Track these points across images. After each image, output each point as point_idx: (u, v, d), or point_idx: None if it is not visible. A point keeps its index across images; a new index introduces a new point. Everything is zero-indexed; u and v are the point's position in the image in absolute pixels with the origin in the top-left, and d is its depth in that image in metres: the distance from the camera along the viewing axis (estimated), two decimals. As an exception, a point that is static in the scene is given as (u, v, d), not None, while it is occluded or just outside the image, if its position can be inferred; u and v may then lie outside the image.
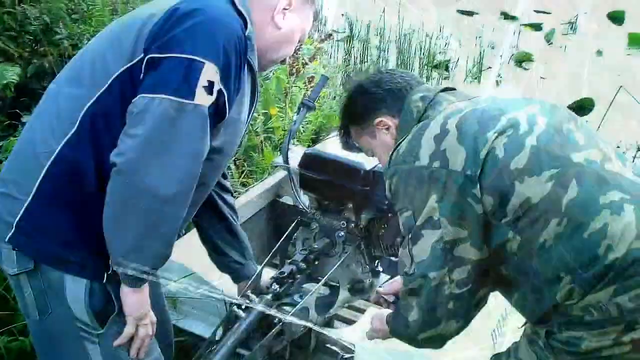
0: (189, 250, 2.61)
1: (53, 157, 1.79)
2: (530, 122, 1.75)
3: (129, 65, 1.77)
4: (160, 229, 1.74)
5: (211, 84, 1.72)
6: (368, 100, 2.02)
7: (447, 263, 1.73)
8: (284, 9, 1.94)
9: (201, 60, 1.70)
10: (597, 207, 1.65)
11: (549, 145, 1.71)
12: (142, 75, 1.75)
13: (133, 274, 1.78)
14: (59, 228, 1.82)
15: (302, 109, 2.61)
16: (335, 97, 5.66)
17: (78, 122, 1.79)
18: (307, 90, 4.78)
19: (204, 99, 1.71)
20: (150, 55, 1.73)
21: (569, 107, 6.36)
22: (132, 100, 1.71)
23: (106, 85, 1.78)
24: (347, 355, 2.40)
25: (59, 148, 1.79)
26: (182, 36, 1.73)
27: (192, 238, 2.60)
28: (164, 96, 1.68)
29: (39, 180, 1.79)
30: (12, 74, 3.87)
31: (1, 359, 2.50)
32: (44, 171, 1.79)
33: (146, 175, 1.68)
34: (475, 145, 1.72)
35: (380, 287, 2.36)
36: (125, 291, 1.84)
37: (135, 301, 1.85)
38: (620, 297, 1.62)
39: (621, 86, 5.27)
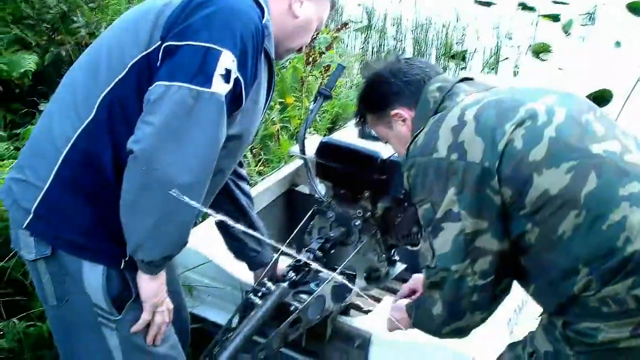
0: (206, 237, 2.62)
1: (70, 144, 1.80)
2: (549, 112, 1.73)
3: (145, 53, 1.78)
4: (176, 217, 1.74)
5: (228, 72, 1.71)
6: (385, 91, 2.01)
7: (469, 255, 1.73)
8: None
9: (218, 48, 1.70)
10: (617, 199, 1.64)
11: (567, 137, 1.70)
12: (158, 63, 1.75)
13: (150, 260, 1.79)
14: (77, 215, 1.83)
15: (318, 97, 2.60)
16: (351, 86, 5.65)
17: (95, 109, 1.80)
18: (323, 79, 4.77)
19: (221, 87, 1.70)
20: (167, 44, 1.74)
21: (587, 98, 6.31)
22: (149, 88, 1.71)
23: (123, 73, 1.79)
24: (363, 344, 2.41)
25: (75, 135, 1.80)
26: (199, 24, 1.72)
27: (209, 225, 2.62)
28: (181, 84, 1.67)
29: (56, 168, 1.80)
30: (29, 62, 3.88)
31: (19, 344, 2.51)
32: (61, 158, 1.80)
33: (163, 162, 1.67)
34: (493, 136, 1.70)
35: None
36: (142, 278, 1.85)
37: (151, 288, 1.86)
38: (638, 289, 1.60)
39: (640, 77, 5.22)
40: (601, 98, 7.22)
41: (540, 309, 1.87)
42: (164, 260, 1.82)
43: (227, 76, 1.71)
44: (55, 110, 1.90)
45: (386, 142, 2.13)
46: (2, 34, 4.01)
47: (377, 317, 2.43)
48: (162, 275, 1.88)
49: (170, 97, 1.67)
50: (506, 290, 1.82)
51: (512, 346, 1.89)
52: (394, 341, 2.30)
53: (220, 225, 2.43)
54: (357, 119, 2.15)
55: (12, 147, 3.31)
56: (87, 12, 4.42)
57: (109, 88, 1.80)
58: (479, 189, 1.70)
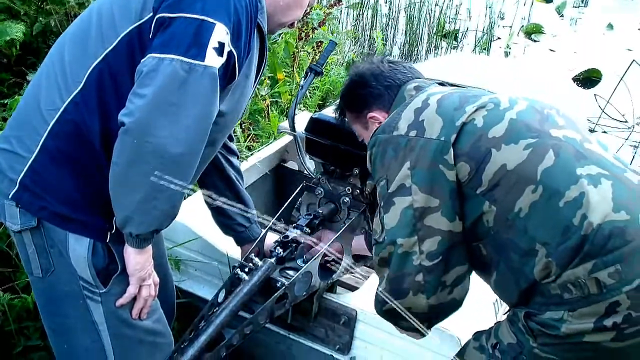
0: (194, 211, 2.61)
1: (57, 115, 1.79)
2: (511, 101, 1.79)
3: (137, 24, 1.76)
4: (167, 190, 1.71)
5: (222, 45, 1.70)
6: (364, 94, 2.06)
7: (417, 232, 1.72)
8: None
9: (212, 20, 1.68)
10: (574, 177, 1.64)
11: (528, 119, 1.74)
12: (151, 34, 1.73)
13: (138, 233, 1.77)
14: (63, 186, 1.81)
15: (309, 73, 2.60)
16: (343, 63, 5.62)
17: (84, 80, 1.78)
18: (315, 55, 4.74)
19: (214, 60, 1.69)
20: (160, 15, 1.71)
21: (576, 79, 6.35)
22: (141, 60, 1.69)
23: (114, 44, 1.77)
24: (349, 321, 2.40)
25: (63, 106, 1.78)
26: None
27: (197, 199, 2.60)
28: (174, 56, 1.65)
29: (43, 138, 1.79)
30: (17, 31, 3.81)
31: (3, 315, 2.50)
32: (48, 129, 1.79)
33: (154, 135, 1.66)
34: (453, 115, 1.74)
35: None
36: (129, 251, 1.84)
37: (138, 261, 1.85)
38: (599, 273, 1.59)
39: (634, 60, 5.22)
40: (589, 78, 7.23)
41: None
42: (152, 233, 1.81)
43: (220, 49, 1.70)
44: (43, 81, 1.87)
45: (362, 140, 2.15)
46: (-11, 3, 3.95)
47: (364, 295, 2.43)
48: (149, 248, 1.86)
49: (164, 69, 1.65)
50: (461, 281, 1.78)
51: (477, 335, 1.87)
52: (380, 318, 2.30)
53: (208, 200, 2.41)
54: (337, 113, 2.21)
55: (-1, 118, 3.27)
56: (76, -18, 4.35)
57: (99, 59, 1.78)
58: (433, 164, 1.72)
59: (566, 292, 1.62)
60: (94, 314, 1.91)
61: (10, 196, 1.81)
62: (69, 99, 1.78)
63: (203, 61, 1.67)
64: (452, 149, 1.71)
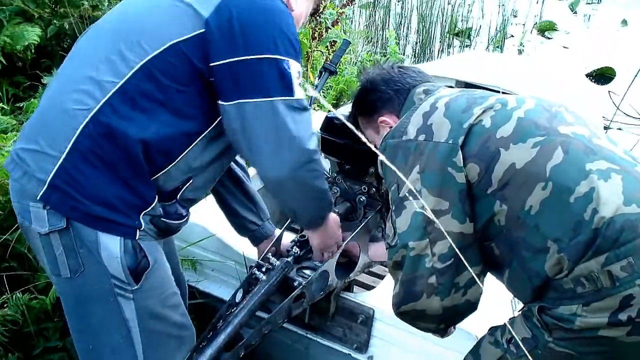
0: (210, 212, 2.61)
1: (90, 115, 1.78)
2: (519, 100, 1.80)
3: (185, 37, 1.80)
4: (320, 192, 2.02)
5: (297, 75, 1.84)
6: (375, 99, 2.08)
7: (428, 235, 1.72)
8: None
9: (284, 58, 1.81)
10: (584, 172, 1.64)
11: (536, 118, 1.74)
12: (208, 61, 1.81)
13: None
14: (94, 186, 1.81)
15: (323, 73, 2.60)
16: (356, 62, 5.62)
17: (122, 82, 1.79)
18: (328, 54, 4.74)
19: (300, 93, 1.85)
20: (232, 60, 1.79)
21: (590, 75, 6.29)
22: (233, 105, 1.81)
23: (158, 51, 1.80)
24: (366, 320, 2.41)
25: (97, 107, 1.78)
26: (258, 35, 1.79)
27: (213, 201, 2.60)
28: (272, 99, 1.79)
29: (74, 137, 1.78)
30: (32, 34, 3.85)
31: (22, 316, 2.51)
32: (80, 128, 1.78)
33: (302, 169, 1.88)
34: (460, 118, 1.75)
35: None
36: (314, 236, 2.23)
37: (323, 236, 2.22)
38: (612, 266, 1.58)
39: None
40: (603, 75, 7.19)
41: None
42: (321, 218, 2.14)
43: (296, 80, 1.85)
44: (69, 78, 1.88)
45: (375, 146, 2.14)
46: (4, 5, 3.97)
47: (381, 294, 2.43)
48: (330, 221, 2.20)
49: (268, 111, 1.81)
50: (474, 284, 1.77)
51: (492, 330, 1.86)
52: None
53: (220, 202, 2.44)
54: (350, 119, 2.22)
55: (15, 121, 3.29)
56: (90, -15, 4.38)
57: (139, 64, 1.80)
58: (442, 167, 1.72)
59: (579, 286, 1.62)
60: (125, 311, 1.91)
61: (38, 197, 1.80)
62: (104, 100, 1.78)
63: (294, 96, 1.83)
64: (460, 152, 1.72)
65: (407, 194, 1.77)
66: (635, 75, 5.40)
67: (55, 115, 1.85)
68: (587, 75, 7.12)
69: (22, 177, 1.84)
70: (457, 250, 1.59)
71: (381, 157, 1.33)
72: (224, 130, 1.90)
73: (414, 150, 1.78)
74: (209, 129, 1.90)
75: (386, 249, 1.86)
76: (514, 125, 1.72)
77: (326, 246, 2.28)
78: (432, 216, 1.67)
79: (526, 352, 1.54)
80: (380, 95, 2.06)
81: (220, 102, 1.84)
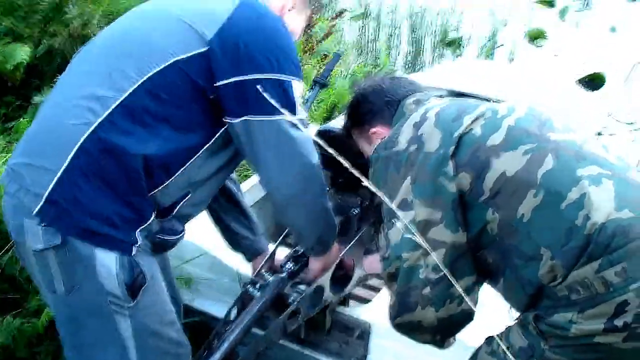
0: (203, 229, 2.59)
1: (90, 130, 1.76)
2: (509, 109, 1.80)
3: (189, 54, 1.81)
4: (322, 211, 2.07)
5: (299, 95, 1.89)
6: (366, 110, 2.09)
7: (420, 246, 1.70)
8: (289, 9, 2.05)
9: (287, 78, 1.86)
10: (575, 178, 1.63)
11: (526, 126, 1.74)
12: (212, 79, 1.83)
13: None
14: (92, 201, 1.79)
15: (314, 86, 2.59)
16: (346, 75, 5.61)
17: (124, 96, 1.78)
18: (320, 67, 4.74)
19: (302, 112, 1.93)
20: (241, 78, 1.82)
21: (580, 82, 6.29)
22: (239, 122, 1.85)
23: (161, 66, 1.80)
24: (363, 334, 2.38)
25: (98, 122, 1.77)
26: (262, 55, 1.83)
27: (206, 218, 2.58)
28: (277, 118, 1.84)
29: (73, 152, 1.76)
30: (22, 54, 3.82)
31: (14, 340, 2.48)
32: (79, 143, 1.76)
33: (307, 192, 1.98)
34: (451, 127, 1.75)
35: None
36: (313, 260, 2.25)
37: (325, 262, 2.26)
38: (605, 272, 1.56)
39: (638, 62, 5.19)
40: (593, 81, 7.20)
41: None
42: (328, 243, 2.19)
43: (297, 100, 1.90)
44: (69, 95, 1.86)
45: (367, 157, 2.13)
46: (-7, 25, 3.95)
47: (377, 307, 2.41)
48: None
49: (270, 130, 1.87)
50: (469, 294, 1.75)
51: (489, 340, 1.85)
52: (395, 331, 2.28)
53: (214, 217, 2.42)
54: (344, 131, 2.23)
55: (4, 142, 3.26)
56: (80, 3, 4.35)
57: (140, 81, 1.79)
58: (433, 177, 1.71)
59: (574, 293, 1.60)
60: (121, 328, 1.88)
61: (34, 212, 1.77)
62: (105, 115, 1.77)
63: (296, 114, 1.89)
64: (451, 161, 1.71)
65: (399, 205, 1.75)
66: (625, 81, 5.42)
67: (53, 129, 1.83)
68: (578, 82, 7.13)
69: (17, 191, 1.82)
70: (443, 269, 1.60)
71: (366, 182, 1.32)
72: (225, 143, 1.93)
73: (405, 162, 1.77)
74: (210, 142, 1.90)
75: (380, 261, 1.84)
76: (504, 133, 1.71)
77: (325, 271, 2.28)
78: (415, 231, 1.67)
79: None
80: (371, 107, 2.07)
81: (226, 119, 1.87)
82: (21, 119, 3.46)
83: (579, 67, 7.46)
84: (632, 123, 6.03)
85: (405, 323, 1.80)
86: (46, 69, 4.09)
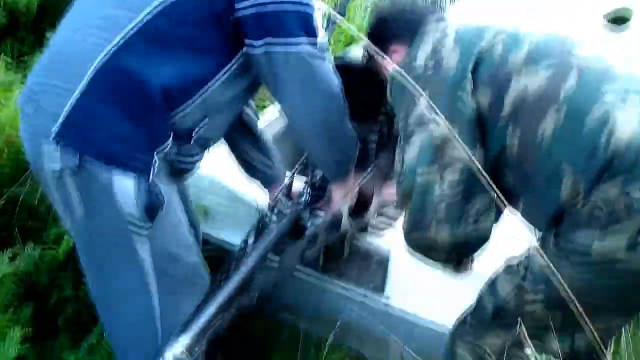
0: (221, 160, 2.57)
1: (107, 52, 1.75)
2: (532, 27, 1.76)
3: None
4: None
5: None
6: (386, 29, 2.07)
7: (437, 161, 1.68)
8: None
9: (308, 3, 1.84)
10: (599, 95, 1.58)
11: (550, 41, 1.70)
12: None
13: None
14: (109, 123, 1.79)
15: (330, 24, 2.52)
16: (366, 7, 5.50)
17: (142, 18, 1.76)
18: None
19: (323, 36, 1.90)
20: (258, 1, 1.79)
21: (604, 18, 6.14)
22: (261, 48, 1.82)
23: None
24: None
25: (114, 44, 1.75)
26: None
27: (223, 148, 2.56)
28: (298, 40, 1.82)
29: (90, 74, 1.74)
30: (36, -12, 3.78)
31: (35, 268, 2.50)
32: (95, 64, 1.74)
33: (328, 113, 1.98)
34: (471, 44, 1.71)
35: None
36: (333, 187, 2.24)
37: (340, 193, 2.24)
38: (629, 187, 1.53)
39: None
40: (620, 18, 7.02)
41: None
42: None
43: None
44: (85, 17, 1.85)
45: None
46: (4, -39, 3.90)
47: (396, 234, 2.39)
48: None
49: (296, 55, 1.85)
50: (484, 216, 1.73)
51: (508, 261, 1.83)
52: (414, 256, 2.27)
53: (229, 144, 2.41)
54: (365, 54, 2.22)
55: (20, 76, 3.24)
56: None
57: (158, 2, 1.77)
58: (451, 93, 1.69)
59: (596, 210, 1.57)
60: (140, 251, 1.89)
61: (52, 133, 1.76)
62: (121, 37, 1.75)
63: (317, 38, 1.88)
64: (470, 77, 1.68)
65: (416, 122, 1.73)
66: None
67: (70, 51, 1.82)
68: (604, 16, 6.95)
69: (35, 112, 1.81)
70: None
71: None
72: (244, 68, 1.91)
73: (423, 78, 1.73)
74: (228, 66, 1.89)
75: (396, 178, 1.82)
76: (526, 49, 1.67)
77: (344, 199, 2.27)
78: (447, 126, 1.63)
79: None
80: (392, 25, 2.04)
81: (247, 44, 1.86)
82: (36, 54, 3.43)
83: (604, 2, 7.29)
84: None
85: (419, 241, 1.79)
86: (61, 4, 4.04)
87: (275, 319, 2.75)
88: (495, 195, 1.75)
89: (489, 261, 1.92)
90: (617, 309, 1.68)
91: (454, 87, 1.68)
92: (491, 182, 1.57)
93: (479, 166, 1.67)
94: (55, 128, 1.76)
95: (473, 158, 1.64)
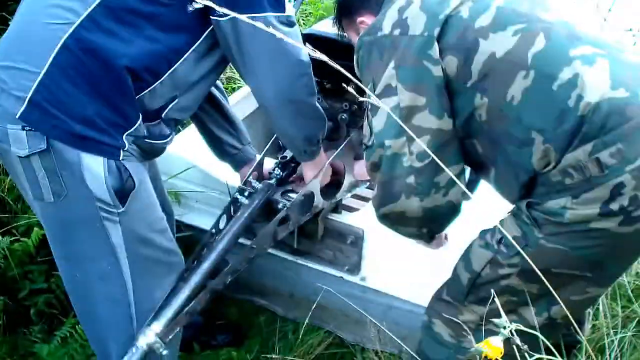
0: (190, 143, 2.54)
1: (71, 29, 1.71)
2: None
3: None
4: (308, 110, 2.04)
5: None
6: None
7: (405, 132, 1.64)
8: None
9: None
10: (567, 58, 1.56)
11: (516, 5, 1.65)
12: None
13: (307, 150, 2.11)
14: (77, 103, 1.74)
15: None
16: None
17: None
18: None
19: (290, 10, 1.87)
20: None
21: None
22: (227, 20, 1.79)
23: None
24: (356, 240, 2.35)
25: (79, 20, 1.71)
26: None
27: (193, 131, 2.52)
28: (266, 14, 1.79)
29: (54, 53, 1.71)
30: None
31: (5, 260, 2.45)
32: (60, 43, 1.70)
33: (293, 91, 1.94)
34: (436, 9, 1.66)
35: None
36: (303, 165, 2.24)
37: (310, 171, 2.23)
38: (600, 153, 1.51)
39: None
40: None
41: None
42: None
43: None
44: None
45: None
46: None
47: (369, 213, 2.37)
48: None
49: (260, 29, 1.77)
50: (455, 184, 1.69)
51: (482, 234, 1.81)
52: (388, 235, 2.24)
53: (199, 125, 2.37)
54: (334, 22, 2.15)
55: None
56: None
57: None
58: (417, 61, 1.64)
59: (567, 178, 1.55)
60: (112, 236, 1.86)
61: (17, 115, 1.72)
62: (86, 13, 1.71)
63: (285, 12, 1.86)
64: (436, 44, 1.63)
65: (382, 92, 1.68)
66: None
67: (33, 30, 1.77)
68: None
69: (0, 96, 1.75)
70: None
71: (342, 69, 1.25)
72: (212, 46, 1.88)
73: (389, 46, 1.69)
74: (196, 44, 1.86)
75: (363, 150, 1.78)
76: (493, 13, 1.63)
77: (315, 176, 2.23)
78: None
79: (519, 248, 1.47)
80: None
81: (213, 17, 1.81)
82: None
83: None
84: (630, 29, 5.88)
85: (390, 213, 1.76)
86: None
87: (251, 303, 2.73)
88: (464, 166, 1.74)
89: (464, 234, 1.90)
90: (593, 279, 1.67)
91: (420, 55, 1.64)
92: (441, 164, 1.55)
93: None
94: (20, 111, 1.71)
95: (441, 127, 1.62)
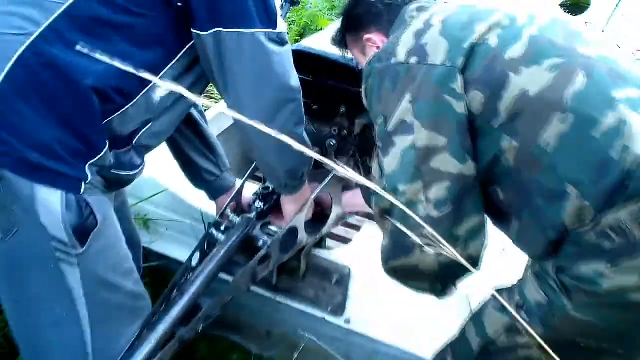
0: (163, 165, 2.33)
1: (29, 41, 1.52)
2: (530, 16, 1.52)
3: None
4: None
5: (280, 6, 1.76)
6: (363, 12, 1.87)
7: (421, 176, 1.45)
8: None
9: None
10: (610, 101, 1.36)
11: (552, 36, 1.47)
12: None
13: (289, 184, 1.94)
14: (32, 126, 1.54)
15: (284, 4, 2.32)
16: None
17: (71, 1, 1.54)
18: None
19: (283, 27, 1.72)
20: None
21: (562, 6, 5.98)
22: (210, 34, 1.63)
23: None
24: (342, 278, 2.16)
25: (38, 31, 1.52)
26: None
27: (165, 152, 2.33)
28: (255, 30, 1.64)
29: (8, 68, 1.51)
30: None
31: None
32: (15, 56, 1.51)
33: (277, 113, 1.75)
34: (460, 36, 1.48)
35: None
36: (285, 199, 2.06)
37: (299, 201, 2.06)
38: None
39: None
40: (577, 5, 6.95)
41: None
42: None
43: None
44: (2, 1, 1.60)
45: (360, 69, 1.88)
46: None
47: (356, 249, 2.19)
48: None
49: (248, 44, 1.66)
50: (475, 235, 1.49)
51: (499, 293, 1.59)
52: (377, 274, 2.06)
53: (174, 148, 2.18)
54: (337, 36, 1.99)
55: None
56: None
57: None
58: (438, 94, 1.45)
59: (606, 241, 1.34)
60: (68, 279, 1.65)
61: None
62: (47, 24, 1.52)
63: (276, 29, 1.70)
64: (460, 76, 1.44)
65: (396, 128, 1.49)
66: (617, 6, 5.16)
67: None
68: (561, 6, 6.87)
69: None
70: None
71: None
72: (189, 65, 1.71)
73: (404, 75, 1.49)
74: (174, 60, 1.68)
75: (372, 194, 1.58)
76: (525, 44, 1.44)
77: (299, 211, 2.06)
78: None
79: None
80: (369, 8, 1.82)
81: (194, 30, 1.65)
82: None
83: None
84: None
85: (401, 267, 1.55)
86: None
87: (223, 339, 2.54)
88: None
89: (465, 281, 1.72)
90: (624, 356, 1.48)
91: (441, 88, 1.45)
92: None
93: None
94: None
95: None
